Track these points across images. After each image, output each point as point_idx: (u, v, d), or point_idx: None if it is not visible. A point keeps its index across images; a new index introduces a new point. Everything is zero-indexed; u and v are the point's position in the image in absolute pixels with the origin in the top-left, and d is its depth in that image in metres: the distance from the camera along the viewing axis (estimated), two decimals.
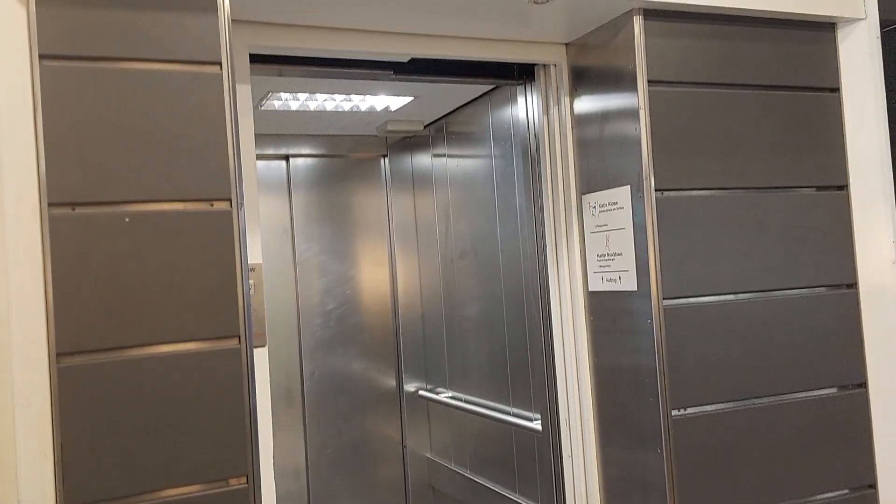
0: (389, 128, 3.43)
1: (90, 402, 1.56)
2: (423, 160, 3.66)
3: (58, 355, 1.54)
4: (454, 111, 3.33)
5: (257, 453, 1.70)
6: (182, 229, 1.66)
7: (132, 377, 1.60)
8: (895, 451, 2.28)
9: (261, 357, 1.87)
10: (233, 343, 1.69)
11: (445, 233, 3.49)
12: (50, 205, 1.55)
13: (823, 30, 2.30)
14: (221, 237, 1.69)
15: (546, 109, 2.42)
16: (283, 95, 2.91)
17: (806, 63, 2.28)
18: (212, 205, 1.69)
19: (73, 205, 1.57)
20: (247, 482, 1.68)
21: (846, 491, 2.27)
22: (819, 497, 2.24)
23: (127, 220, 1.61)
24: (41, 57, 1.56)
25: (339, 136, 3.71)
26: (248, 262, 1.75)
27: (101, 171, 1.60)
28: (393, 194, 3.85)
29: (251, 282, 1.78)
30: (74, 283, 1.56)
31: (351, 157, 3.80)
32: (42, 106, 1.55)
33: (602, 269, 2.25)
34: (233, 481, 1.67)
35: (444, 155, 3.47)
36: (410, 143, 3.74)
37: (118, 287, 1.59)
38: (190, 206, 1.67)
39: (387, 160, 3.86)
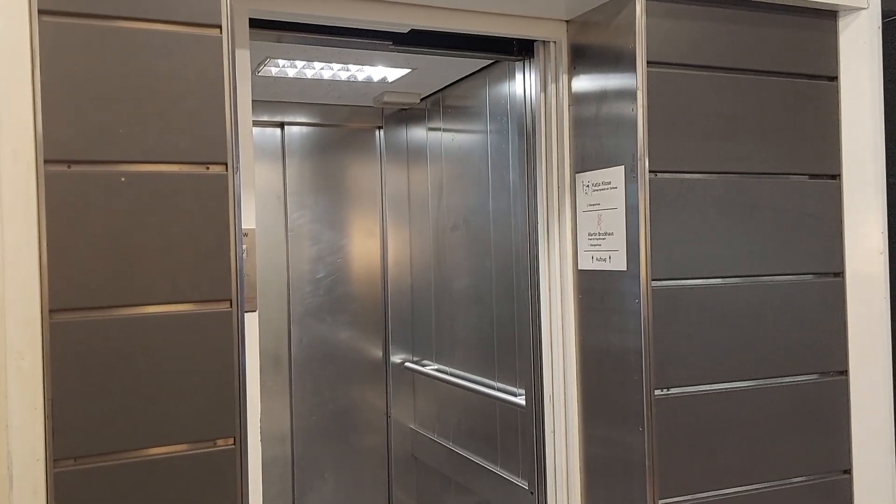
0: (386, 99, 3.42)
1: (82, 358, 1.57)
2: (418, 133, 3.65)
3: (51, 311, 1.54)
4: (451, 85, 3.32)
5: (245, 415, 1.71)
6: (177, 191, 1.66)
7: (124, 335, 1.61)
8: (871, 439, 2.32)
9: (251, 321, 1.88)
10: (224, 306, 1.70)
11: (438, 206, 3.50)
12: (46, 162, 1.55)
13: (825, 17, 2.30)
14: (216, 201, 1.69)
15: (544, 86, 2.42)
16: (281, 62, 2.90)
17: (805, 50, 2.29)
18: (207, 168, 1.69)
19: (70, 162, 1.57)
20: (234, 443, 1.70)
21: (822, 475, 2.31)
22: (795, 480, 2.28)
23: (123, 179, 1.61)
24: (41, 12, 1.55)
25: (335, 105, 3.70)
26: (242, 226, 1.75)
27: (98, 129, 1.59)
28: (387, 166, 3.85)
29: (244, 246, 1.78)
30: (69, 240, 1.56)
31: (346, 127, 3.79)
32: (41, 62, 1.55)
33: (592, 248, 2.27)
34: (220, 442, 1.69)
35: (439, 129, 3.47)
36: (406, 115, 3.73)
37: (112, 246, 1.60)
38: (186, 169, 1.68)
39: (382, 132, 3.85)
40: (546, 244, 2.43)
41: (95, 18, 1.60)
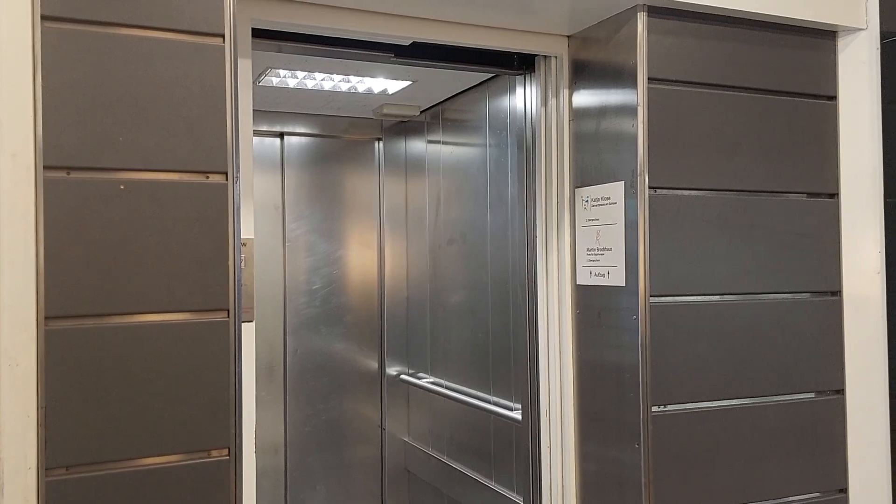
0: (385, 111, 3.43)
1: (76, 366, 1.56)
2: (417, 146, 3.66)
3: (46, 318, 1.53)
4: (451, 98, 3.33)
5: (240, 426, 1.70)
6: (176, 200, 1.65)
7: (119, 344, 1.59)
8: (868, 458, 2.31)
9: (248, 331, 1.87)
10: (221, 316, 1.69)
11: (435, 219, 3.50)
12: (45, 168, 1.54)
13: (824, 37, 2.32)
14: (215, 210, 1.68)
15: (544, 101, 2.42)
16: (282, 72, 2.90)
17: (805, 70, 2.30)
18: (207, 177, 1.69)
19: (69, 169, 1.56)
20: (228, 454, 1.68)
21: (818, 494, 2.31)
22: (791, 499, 2.27)
23: (122, 187, 1.60)
24: (43, 18, 1.55)
25: (334, 116, 3.71)
26: (241, 236, 1.74)
27: (98, 136, 1.59)
28: (385, 178, 3.85)
29: (242, 256, 1.78)
30: (66, 247, 1.55)
31: (345, 138, 3.80)
32: (42, 67, 1.54)
33: (591, 264, 2.27)
34: (214, 453, 1.67)
35: (438, 141, 3.48)
36: (405, 127, 3.74)
37: (110, 254, 1.59)
38: (185, 178, 1.67)
39: (381, 144, 3.86)
40: (544, 259, 2.43)
41: (98, 25, 1.59)
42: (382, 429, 3.85)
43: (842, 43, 2.33)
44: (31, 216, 1.53)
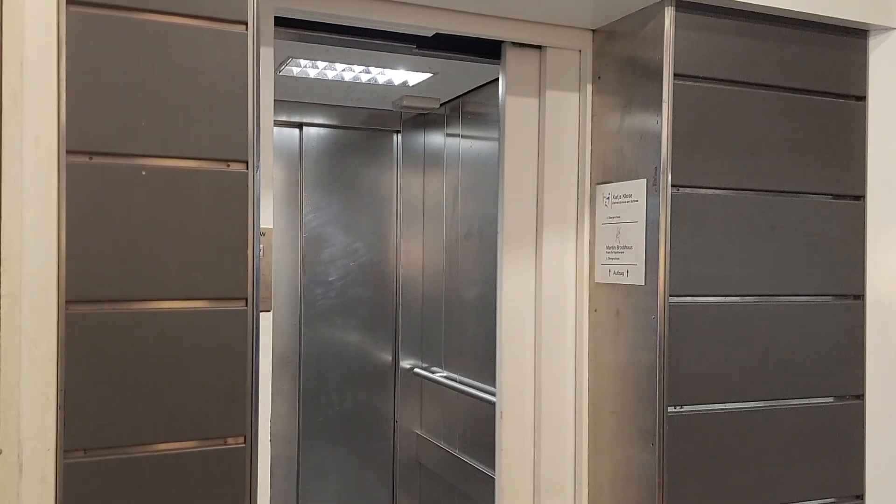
0: (405, 103, 3.42)
1: (95, 350, 1.56)
2: (435, 138, 3.65)
3: (67, 302, 1.53)
4: (471, 91, 3.31)
5: (256, 415, 1.70)
6: (197, 187, 1.65)
7: (138, 330, 1.60)
8: (885, 464, 2.29)
9: (266, 321, 1.87)
10: (240, 305, 1.68)
11: (452, 213, 3.49)
12: (68, 152, 1.54)
13: (855, 36, 2.28)
14: (235, 199, 1.68)
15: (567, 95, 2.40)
16: (302, 62, 2.90)
17: (834, 69, 2.27)
18: (228, 165, 1.68)
19: (91, 154, 1.56)
20: (244, 442, 1.68)
21: (833, 499, 2.29)
22: (806, 503, 2.25)
23: (143, 173, 1.60)
24: (69, 2, 1.55)
25: (354, 108, 3.70)
26: (260, 225, 1.74)
27: (120, 122, 1.59)
28: (403, 170, 3.84)
29: (261, 246, 1.77)
30: (87, 232, 1.55)
31: (364, 129, 3.79)
32: (66, 51, 1.54)
33: (610, 262, 2.25)
34: (230, 440, 1.67)
35: (457, 135, 3.46)
36: (425, 120, 3.73)
37: (130, 240, 1.59)
38: (206, 165, 1.67)
39: (400, 136, 3.85)
40: (562, 256, 2.41)
41: (122, 10, 1.59)
42: (395, 421, 3.85)
43: (873, 42, 2.30)
44: (53, 201, 1.53)
